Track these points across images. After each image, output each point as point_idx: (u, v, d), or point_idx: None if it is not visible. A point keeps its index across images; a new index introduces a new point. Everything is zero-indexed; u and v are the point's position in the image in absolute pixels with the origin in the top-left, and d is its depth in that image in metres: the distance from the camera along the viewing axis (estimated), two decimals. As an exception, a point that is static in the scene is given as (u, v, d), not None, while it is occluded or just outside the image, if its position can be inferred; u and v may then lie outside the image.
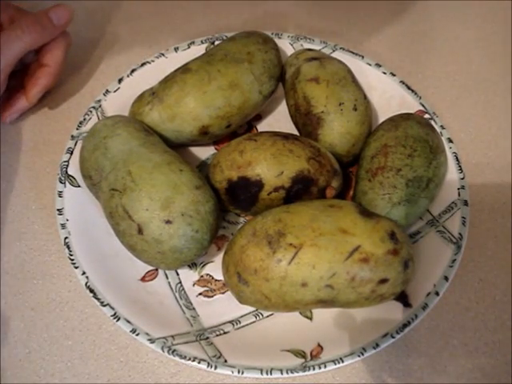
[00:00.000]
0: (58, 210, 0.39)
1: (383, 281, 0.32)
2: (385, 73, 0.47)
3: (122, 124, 0.36)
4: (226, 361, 0.34)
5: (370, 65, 0.48)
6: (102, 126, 0.36)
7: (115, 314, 0.35)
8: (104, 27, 0.56)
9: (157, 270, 0.39)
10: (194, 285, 0.39)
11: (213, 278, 0.39)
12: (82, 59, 0.53)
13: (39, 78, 0.45)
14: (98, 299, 0.35)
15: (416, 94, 0.46)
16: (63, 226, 0.38)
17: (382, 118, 0.45)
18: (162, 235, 0.32)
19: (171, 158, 0.34)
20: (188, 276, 0.39)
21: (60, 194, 0.40)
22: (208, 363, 0.33)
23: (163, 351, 0.34)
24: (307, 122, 0.42)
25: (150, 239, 0.32)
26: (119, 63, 0.52)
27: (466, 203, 0.40)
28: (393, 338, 0.34)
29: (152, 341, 0.34)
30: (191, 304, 0.38)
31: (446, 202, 0.40)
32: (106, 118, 0.37)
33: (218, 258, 0.39)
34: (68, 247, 0.37)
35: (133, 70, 0.47)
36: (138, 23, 0.57)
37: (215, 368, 0.33)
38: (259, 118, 0.48)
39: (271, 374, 0.33)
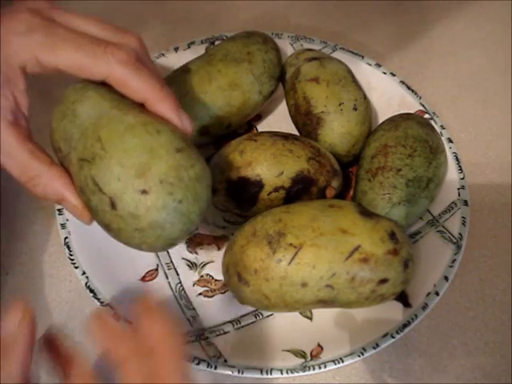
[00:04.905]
0: (57, 210, 0.39)
1: (383, 281, 0.32)
2: (385, 73, 0.47)
3: (92, 86, 0.31)
4: (226, 361, 0.34)
5: (370, 65, 0.48)
6: (71, 91, 0.31)
7: (115, 314, 0.35)
8: (104, 27, 0.56)
9: (157, 269, 0.39)
10: (194, 285, 0.39)
11: (213, 277, 0.39)
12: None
13: None
14: (97, 299, 0.35)
15: (416, 93, 0.46)
16: (63, 226, 0.38)
17: (382, 118, 0.45)
18: (137, 208, 0.27)
19: (148, 119, 0.29)
20: (188, 276, 0.39)
21: (60, 194, 0.40)
22: (208, 363, 0.33)
23: (163, 351, 0.34)
24: (307, 122, 0.42)
25: (125, 214, 0.27)
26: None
27: (465, 203, 0.40)
28: (393, 338, 0.34)
29: (152, 341, 0.34)
30: (191, 304, 0.38)
31: (446, 202, 0.40)
32: (76, 82, 0.32)
33: (218, 258, 0.39)
34: (68, 247, 0.37)
35: (133, 70, 0.47)
36: (137, 23, 0.57)
37: (215, 368, 0.33)
38: (259, 118, 0.48)
39: (271, 374, 0.33)
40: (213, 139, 0.44)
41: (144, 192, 0.27)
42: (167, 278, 0.39)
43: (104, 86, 0.30)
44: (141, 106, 0.30)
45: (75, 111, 0.30)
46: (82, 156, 0.29)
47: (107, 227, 0.29)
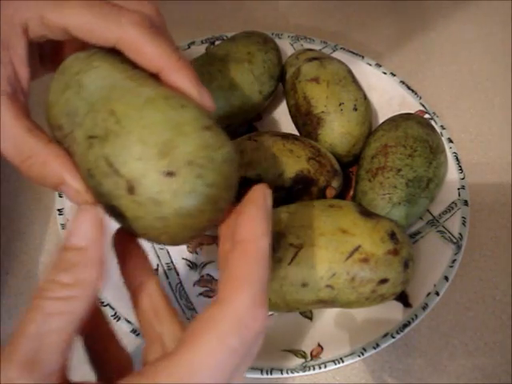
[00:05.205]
0: (58, 210, 0.39)
1: (383, 281, 0.32)
2: (385, 73, 0.47)
3: (100, 55, 0.27)
4: (226, 361, 0.34)
5: (370, 65, 0.48)
6: (74, 60, 0.27)
7: (115, 313, 0.35)
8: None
9: (157, 269, 0.39)
10: (194, 285, 0.39)
11: (213, 278, 0.39)
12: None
13: None
14: (98, 299, 0.35)
15: (416, 93, 0.46)
16: (63, 226, 0.38)
17: (382, 118, 0.45)
18: (161, 193, 0.23)
19: (168, 92, 0.25)
20: (188, 276, 0.39)
21: (60, 194, 0.40)
22: (208, 363, 0.33)
23: (163, 351, 0.34)
24: (307, 122, 0.42)
25: (146, 200, 0.23)
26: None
27: (466, 203, 0.40)
28: (393, 337, 0.34)
29: (152, 341, 0.34)
30: (191, 304, 0.38)
31: (446, 202, 0.40)
32: (79, 51, 0.27)
33: (218, 258, 0.39)
34: (68, 247, 0.37)
35: (133, 70, 0.47)
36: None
37: (215, 368, 0.33)
38: (259, 118, 0.48)
39: (271, 373, 0.33)
40: (213, 139, 0.44)
41: (170, 174, 0.23)
42: (167, 277, 0.39)
43: (112, 54, 0.27)
44: (156, 78, 0.26)
45: (81, 82, 0.26)
46: (91, 133, 0.24)
47: (120, 216, 0.24)
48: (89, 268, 0.20)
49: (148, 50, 0.25)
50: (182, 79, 0.25)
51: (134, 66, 0.26)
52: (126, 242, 0.24)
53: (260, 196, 0.22)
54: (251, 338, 0.19)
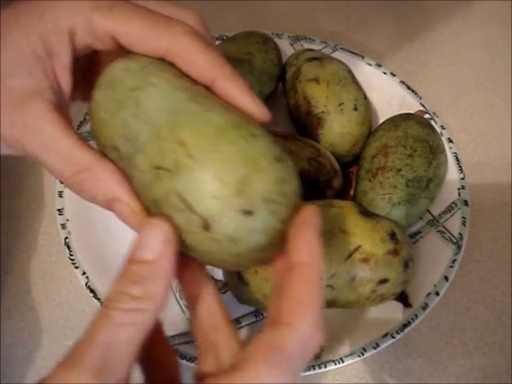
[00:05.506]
0: (58, 210, 0.39)
1: (383, 281, 0.32)
2: (385, 73, 0.47)
3: (153, 68, 0.25)
4: (226, 361, 0.34)
5: (370, 65, 0.48)
6: (124, 72, 0.25)
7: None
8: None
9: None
10: (194, 285, 0.39)
11: (213, 278, 0.39)
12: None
13: None
14: (98, 299, 0.35)
15: (416, 94, 0.46)
16: (63, 226, 0.38)
17: (382, 118, 0.45)
18: (238, 231, 0.23)
19: (237, 118, 0.24)
20: (188, 276, 0.39)
21: (60, 194, 0.40)
22: (208, 363, 0.33)
23: (163, 351, 0.34)
24: (307, 122, 0.42)
25: (223, 237, 0.23)
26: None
27: (466, 203, 0.40)
28: (393, 338, 0.34)
29: (152, 341, 0.34)
30: (191, 304, 0.37)
31: (446, 202, 0.40)
32: (125, 59, 0.25)
33: (218, 258, 0.39)
34: (68, 247, 0.37)
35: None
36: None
37: (215, 368, 0.33)
38: (259, 117, 0.48)
39: (271, 374, 0.33)
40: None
41: (247, 213, 0.23)
42: (167, 277, 0.39)
43: (164, 65, 0.25)
44: (213, 93, 0.25)
45: (138, 102, 0.24)
46: (158, 163, 0.23)
47: (191, 248, 0.24)
48: (157, 282, 0.20)
49: (201, 60, 0.24)
50: (238, 91, 0.24)
51: (187, 78, 0.25)
52: None
53: (312, 217, 0.23)
54: (309, 358, 0.20)
